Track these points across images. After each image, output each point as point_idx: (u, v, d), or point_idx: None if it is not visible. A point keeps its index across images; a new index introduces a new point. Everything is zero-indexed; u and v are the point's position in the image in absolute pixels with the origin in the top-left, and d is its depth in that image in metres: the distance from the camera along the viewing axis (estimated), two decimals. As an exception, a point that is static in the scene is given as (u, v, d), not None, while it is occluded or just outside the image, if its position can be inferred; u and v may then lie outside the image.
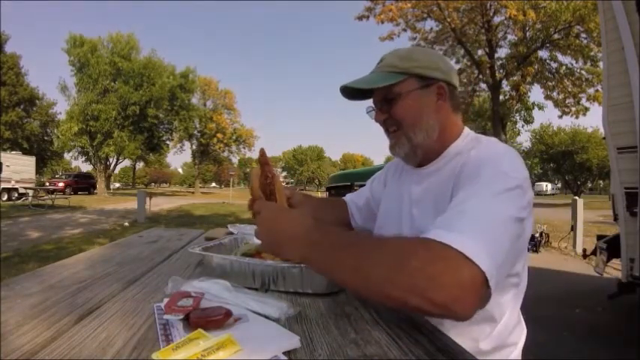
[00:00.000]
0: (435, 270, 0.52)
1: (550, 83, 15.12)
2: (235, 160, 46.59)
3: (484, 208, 0.62)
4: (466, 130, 0.88)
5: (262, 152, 0.82)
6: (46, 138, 32.84)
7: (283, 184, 0.90)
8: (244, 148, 42.12)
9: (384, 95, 0.85)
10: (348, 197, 1.16)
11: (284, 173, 77.83)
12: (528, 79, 14.93)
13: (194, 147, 38.57)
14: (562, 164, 37.78)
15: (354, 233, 0.70)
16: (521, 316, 0.85)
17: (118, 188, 48.68)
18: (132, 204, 13.68)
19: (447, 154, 0.85)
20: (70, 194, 20.41)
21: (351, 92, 0.87)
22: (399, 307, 0.57)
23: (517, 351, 0.81)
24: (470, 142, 0.83)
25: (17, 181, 17.22)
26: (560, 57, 14.56)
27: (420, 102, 0.83)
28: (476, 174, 0.69)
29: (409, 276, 0.53)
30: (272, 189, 0.82)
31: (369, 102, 0.91)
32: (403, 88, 0.83)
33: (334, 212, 1.13)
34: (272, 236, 0.71)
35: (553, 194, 49.81)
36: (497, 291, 0.74)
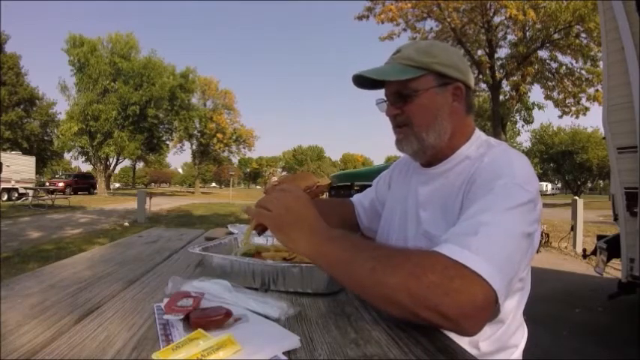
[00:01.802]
0: (451, 287, 0.54)
1: (550, 83, 15.11)
2: (235, 160, 46.71)
3: (497, 224, 0.61)
4: (477, 132, 0.85)
5: (330, 184, 0.85)
6: (46, 138, 32.85)
7: None
8: (244, 148, 42.22)
9: (399, 89, 0.81)
10: (355, 198, 1.14)
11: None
12: (528, 79, 14.93)
13: (194, 147, 38.62)
14: (562, 164, 37.80)
15: (372, 240, 0.71)
16: (523, 319, 0.85)
17: (118, 188, 48.70)
18: (132, 204, 13.69)
19: (456, 156, 0.82)
20: (70, 194, 20.44)
21: (363, 81, 0.83)
22: (405, 317, 0.57)
23: (518, 352, 0.81)
24: (481, 146, 0.81)
25: (17, 181, 17.21)
26: (560, 57, 14.56)
27: (435, 101, 0.80)
28: (490, 185, 0.68)
29: (426, 288, 0.54)
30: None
31: (379, 93, 0.86)
32: (420, 84, 0.79)
33: (340, 213, 1.11)
34: (290, 215, 0.67)
35: (553, 194, 49.81)
36: None
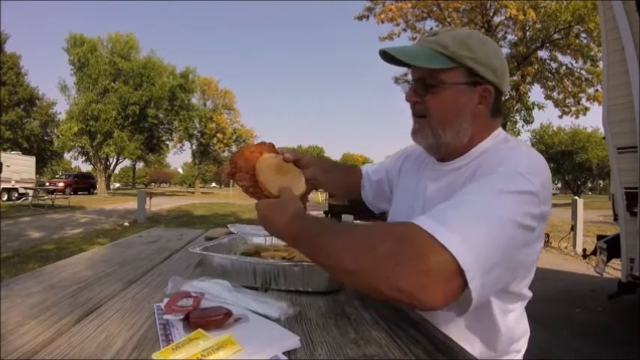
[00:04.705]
0: (401, 257, 0.51)
1: (550, 83, 15.10)
2: (235, 160, 46.49)
3: (483, 204, 0.57)
4: (498, 130, 0.79)
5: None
6: (46, 138, 32.84)
7: None
8: (244, 148, 42.08)
9: (424, 76, 0.74)
10: (365, 169, 1.10)
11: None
12: (528, 79, 14.92)
13: (194, 147, 38.58)
14: (562, 164, 37.79)
15: (332, 221, 0.68)
16: (528, 326, 0.82)
17: (118, 188, 48.66)
18: (132, 204, 13.68)
19: (471, 153, 0.77)
20: (70, 194, 20.42)
21: (390, 57, 0.75)
22: (372, 294, 0.57)
23: (519, 356, 0.81)
24: (497, 143, 0.76)
25: (17, 181, 17.20)
26: (560, 57, 14.55)
27: (460, 100, 0.73)
28: (490, 171, 0.64)
29: (375, 263, 0.52)
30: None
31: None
32: (448, 77, 0.72)
33: (346, 178, 1.08)
34: (270, 233, 0.74)
35: (553, 194, 49.61)
36: (504, 300, 0.73)
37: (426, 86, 0.74)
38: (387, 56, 0.75)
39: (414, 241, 0.52)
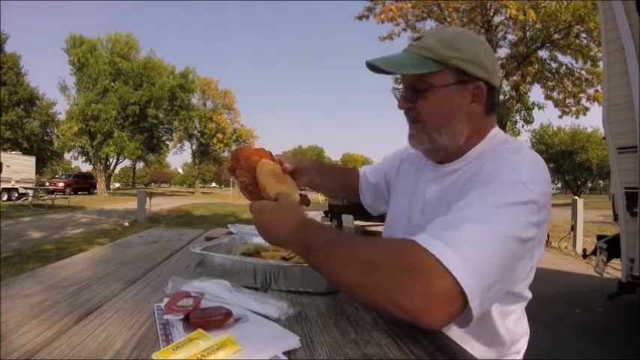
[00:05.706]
0: (404, 278, 0.53)
1: (550, 83, 15.11)
2: (235, 160, 46.51)
3: (484, 220, 0.56)
4: (494, 130, 0.79)
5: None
6: (46, 138, 32.84)
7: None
8: (244, 148, 42.08)
9: (413, 82, 0.74)
10: (362, 170, 1.10)
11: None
12: (528, 79, 14.92)
13: (194, 147, 38.59)
14: (562, 164, 37.81)
15: (334, 232, 0.67)
16: (528, 326, 0.82)
17: (118, 188, 48.64)
18: (132, 204, 13.68)
19: (469, 154, 0.77)
20: (70, 194, 20.42)
21: (377, 67, 0.76)
22: (374, 310, 0.59)
23: (519, 357, 0.81)
24: (495, 144, 0.76)
25: (17, 181, 17.20)
26: (560, 57, 14.56)
27: (451, 101, 0.73)
28: (490, 179, 0.63)
29: (377, 282, 0.54)
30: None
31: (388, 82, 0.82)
32: (436, 80, 0.72)
33: (343, 180, 1.08)
34: (267, 238, 0.73)
35: (553, 194, 49.57)
36: (504, 303, 0.73)
37: (416, 91, 0.74)
38: (374, 67, 0.75)
39: (418, 263, 0.53)
